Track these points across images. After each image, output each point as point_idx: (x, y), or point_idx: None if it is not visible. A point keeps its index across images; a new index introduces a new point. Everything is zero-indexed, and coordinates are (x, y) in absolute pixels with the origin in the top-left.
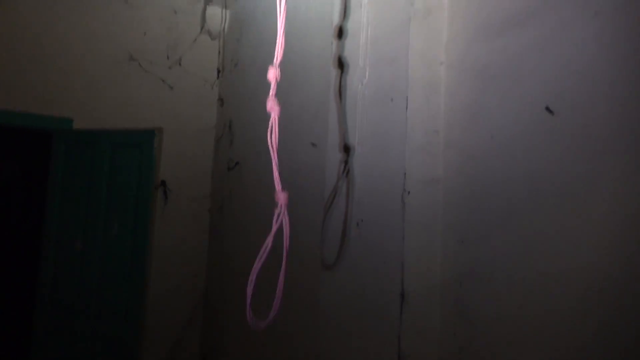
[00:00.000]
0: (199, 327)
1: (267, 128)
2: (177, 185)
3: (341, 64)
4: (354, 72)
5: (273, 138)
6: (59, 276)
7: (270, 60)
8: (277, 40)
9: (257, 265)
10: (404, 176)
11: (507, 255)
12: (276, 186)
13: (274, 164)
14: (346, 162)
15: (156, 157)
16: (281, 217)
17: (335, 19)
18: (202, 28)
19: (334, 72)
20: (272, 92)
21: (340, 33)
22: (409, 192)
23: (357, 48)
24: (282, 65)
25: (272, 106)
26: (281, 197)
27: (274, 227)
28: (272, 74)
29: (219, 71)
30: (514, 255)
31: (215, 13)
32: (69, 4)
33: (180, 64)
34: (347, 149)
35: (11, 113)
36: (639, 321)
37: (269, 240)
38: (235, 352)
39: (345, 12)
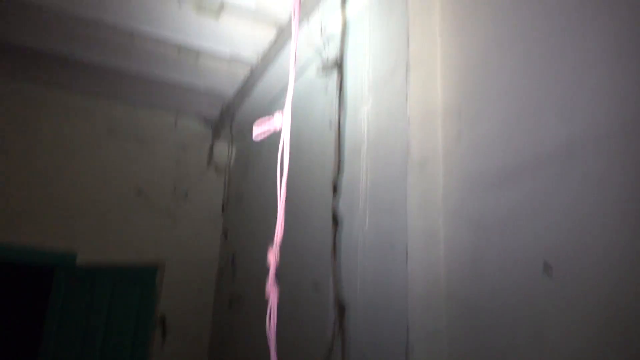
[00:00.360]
0: None
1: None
2: (177, 320)
3: (336, 220)
4: (354, 220)
5: (272, 322)
6: None
7: (274, 197)
8: (277, 223)
9: None
10: (407, 330)
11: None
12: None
13: (271, 349)
14: (341, 323)
15: (157, 293)
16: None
17: (331, 175)
18: (208, 163)
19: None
20: (271, 275)
21: (335, 188)
22: (413, 347)
23: (358, 197)
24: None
25: (271, 289)
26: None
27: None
28: (272, 257)
29: (223, 205)
30: None
31: (222, 148)
32: (82, 139)
33: (186, 198)
34: (342, 309)
35: (17, 249)
36: None
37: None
38: None
39: (339, 168)
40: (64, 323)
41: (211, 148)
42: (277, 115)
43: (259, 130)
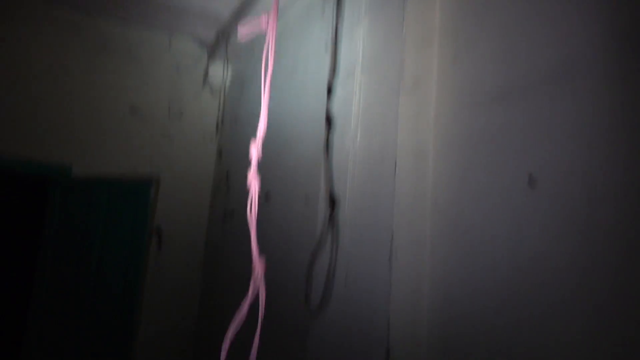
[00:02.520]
0: None
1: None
2: (172, 233)
3: (330, 120)
4: (347, 133)
5: (252, 212)
6: (51, 321)
7: (270, 118)
8: (260, 118)
9: (230, 333)
10: (392, 238)
11: (491, 315)
12: (253, 255)
13: (252, 235)
14: (331, 215)
15: (152, 206)
16: (258, 284)
17: (326, 78)
18: (204, 84)
19: (324, 127)
20: (253, 168)
21: (329, 90)
22: (396, 254)
23: (350, 112)
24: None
25: (252, 180)
26: (258, 265)
27: (250, 296)
28: (254, 150)
29: (217, 125)
30: (498, 316)
31: (217, 70)
32: (76, 55)
33: (181, 117)
34: (333, 203)
35: (13, 160)
36: None
37: (244, 311)
38: None
39: (334, 70)
40: (61, 234)
41: (206, 69)
42: (264, 17)
43: (245, 30)
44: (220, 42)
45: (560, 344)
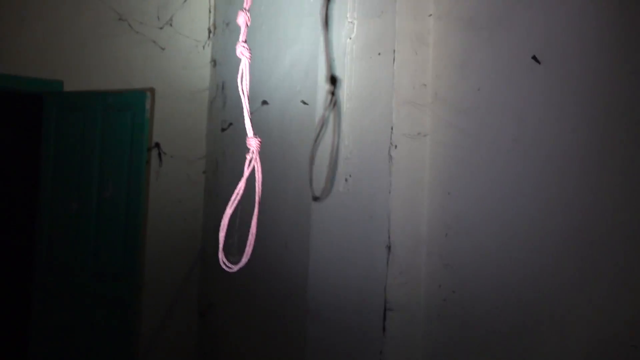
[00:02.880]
0: (197, 285)
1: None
2: (172, 147)
3: (327, 19)
4: (342, 27)
5: (244, 83)
6: (55, 238)
7: (263, 20)
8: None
9: (228, 210)
10: (391, 130)
11: (492, 206)
12: (248, 132)
13: (245, 110)
14: (333, 93)
15: (149, 119)
16: (253, 163)
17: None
18: None
19: (320, 2)
20: (241, 37)
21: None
22: (395, 146)
23: (346, 3)
24: (274, 22)
25: (242, 52)
26: (253, 143)
27: (246, 173)
28: (242, 19)
29: (209, 31)
30: (498, 205)
31: None
32: None
33: (171, 25)
34: (333, 80)
35: (3, 76)
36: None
37: (241, 185)
38: (231, 307)
39: None
40: (58, 150)
41: None
42: None
43: None
44: None
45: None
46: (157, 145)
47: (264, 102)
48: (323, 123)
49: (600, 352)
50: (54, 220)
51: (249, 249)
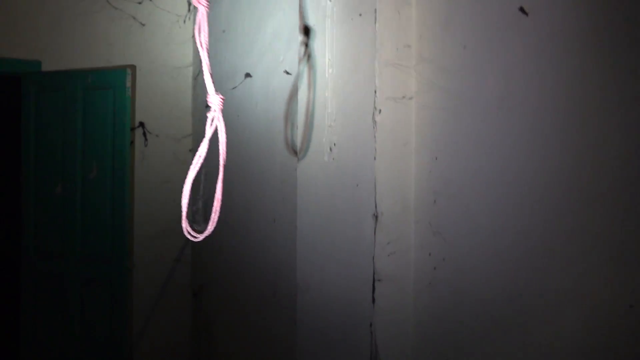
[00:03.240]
0: (189, 266)
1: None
2: (157, 126)
3: None
4: None
5: (202, 37)
6: (41, 222)
7: None
8: None
9: (190, 174)
10: (375, 94)
11: (481, 169)
12: (208, 89)
13: (204, 65)
14: (306, 45)
15: (131, 97)
16: (215, 122)
17: None
18: None
19: None
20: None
21: None
22: (380, 111)
23: None
24: None
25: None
26: (214, 100)
27: (208, 133)
28: None
29: (189, 4)
30: (486, 169)
31: None
32: None
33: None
34: (306, 31)
35: None
36: None
37: (203, 147)
38: (223, 286)
39: None
40: (39, 132)
41: None
42: None
43: None
44: None
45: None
46: (142, 124)
47: (247, 75)
48: (303, 90)
49: (598, 314)
50: (39, 204)
51: (214, 216)
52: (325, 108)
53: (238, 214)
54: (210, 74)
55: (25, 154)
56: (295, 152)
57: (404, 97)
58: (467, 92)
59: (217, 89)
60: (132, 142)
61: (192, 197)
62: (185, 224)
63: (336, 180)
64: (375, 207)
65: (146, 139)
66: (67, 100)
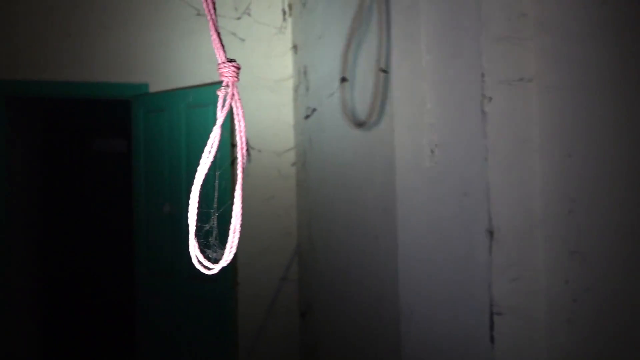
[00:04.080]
0: (296, 284)
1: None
2: (259, 141)
3: None
4: None
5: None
6: (151, 240)
7: None
8: None
9: (198, 177)
10: (482, 78)
11: (633, 169)
12: (218, 56)
13: (211, 27)
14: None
15: (229, 113)
16: (229, 101)
17: None
18: None
19: None
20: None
21: None
22: (490, 99)
23: None
24: None
25: None
26: (226, 71)
27: (220, 117)
28: None
29: (284, 12)
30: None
31: None
32: None
33: (249, 14)
34: None
35: (92, 84)
36: None
37: (215, 136)
38: (328, 307)
39: None
40: (148, 153)
41: None
42: None
43: None
44: None
45: None
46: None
47: (343, 79)
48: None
49: None
50: (149, 223)
51: (233, 239)
52: (424, 104)
53: (339, 231)
54: (218, 33)
55: (136, 174)
56: (393, 159)
57: (521, 79)
58: (610, 66)
59: (316, 98)
60: (234, 159)
61: (201, 212)
62: (194, 251)
63: (440, 189)
64: (490, 220)
65: (249, 155)
66: (172, 119)
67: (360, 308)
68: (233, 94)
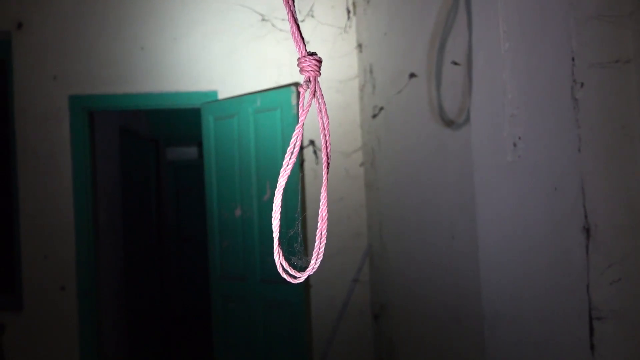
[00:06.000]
0: (368, 286)
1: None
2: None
3: None
4: None
5: None
6: (224, 244)
7: None
8: None
9: (281, 181)
10: (572, 61)
11: None
12: (298, 50)
13: (290, 19)
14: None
15: (296, 115)
16: (310, 97)
17: None
18: None
19: None
20: None
21: None
22: (581, 84)
23: None
24: None
25: None
26: (308, 64)
27: (302, 115)
28: None
29: (348, 11)
30: None
31: None
32: None
33: (312, 16)
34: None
35: (164, 95)
36: None
37: (298, 134)
38: (403, 309)
39: None
40: (218, 158)
41: None
42: None
43: None
44: None
45: None
46: (312, 142)
47: (412, 75)
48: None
49: None
50: (222, 227)
51: (319, 245)
52: (504, 94)
53: (412, 231)
54: (297, 25)
55: (208, 179)
56: (470, 154)
57: (617, 60)
58: None
59: (383, 97)
60: (303, 161)
61: (285, 216)
62: (278, 259)
63: (525, 185)
64: (586, 217)
65: (317, 157)
66: (241, 124)
67: (437, 310)
68: (315, 90)
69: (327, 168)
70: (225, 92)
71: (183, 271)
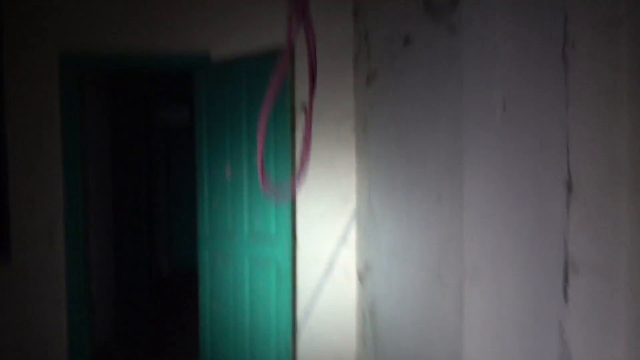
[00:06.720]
0: (355, 248)
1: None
2: (319, 108)
3: None
4: None
5: None
6: (214, 204)
7: None
8: None
9: (263, 113)
10: (565, 19)
11: None
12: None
13: None
14: None
15: (289, 79)
16: (293, 20)
17: None
18: None
19: None
20: None
21: None
22: (573, 43)
23: None
24: None
25: None
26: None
27: (291, 37)
28: None
29: None
30: None
31: None
32: None
33: None
34: None
35: (156, 55)
36: None
37: (284, 60)
38: (390, 268)
39: None
40: (210, 121)
41: None
42: None
43: None
44: None
45: None
46: (304, 106)
47: (407, 41)
48: (467, 40)
49: None
50: (212, 187)
51: (304, 158)
52: (496, 54)
53: (398, 192)
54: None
55: (199, 141)
56: (460, 117)
57: (609, 20)
58: None
59: (378, 63)
60: (294, 125)
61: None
62: (264, 184)
63: (512, 145)
64: (568, 172)
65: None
66: (234, 88)
67: (418, 267)
68: (306, 12)
69: (313, 91)
70: (217, 54)
71: (172, 233)
